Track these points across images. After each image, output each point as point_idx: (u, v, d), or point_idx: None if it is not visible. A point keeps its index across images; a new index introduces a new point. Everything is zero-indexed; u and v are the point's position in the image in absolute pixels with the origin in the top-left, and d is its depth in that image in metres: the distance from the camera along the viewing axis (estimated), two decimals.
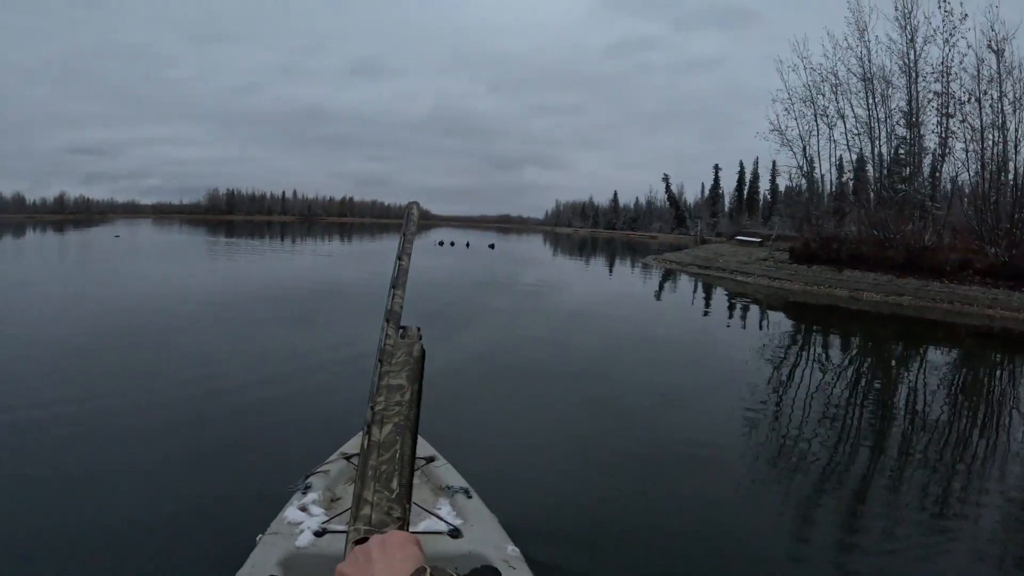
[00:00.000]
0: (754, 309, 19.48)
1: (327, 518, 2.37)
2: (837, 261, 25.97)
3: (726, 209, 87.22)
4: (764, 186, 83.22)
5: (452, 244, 46.80)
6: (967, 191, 27.82)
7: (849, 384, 9.84)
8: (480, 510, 2.58)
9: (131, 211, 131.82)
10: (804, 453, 6.07)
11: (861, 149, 30.61)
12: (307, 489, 2.62)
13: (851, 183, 31.14)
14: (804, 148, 31.12)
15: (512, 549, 2.28)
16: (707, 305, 21.10)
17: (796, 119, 31.35)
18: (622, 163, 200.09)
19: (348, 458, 2.91)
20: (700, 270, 31.89)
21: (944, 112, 27.50)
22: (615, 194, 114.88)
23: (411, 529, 1.88)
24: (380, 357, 0.88)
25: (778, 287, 25.20)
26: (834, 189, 32.06)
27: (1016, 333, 17.71)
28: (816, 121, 30.66)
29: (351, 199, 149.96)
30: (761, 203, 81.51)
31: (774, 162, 78.10)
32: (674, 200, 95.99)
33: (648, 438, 6.21)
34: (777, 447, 6.29)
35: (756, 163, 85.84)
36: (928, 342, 15.31)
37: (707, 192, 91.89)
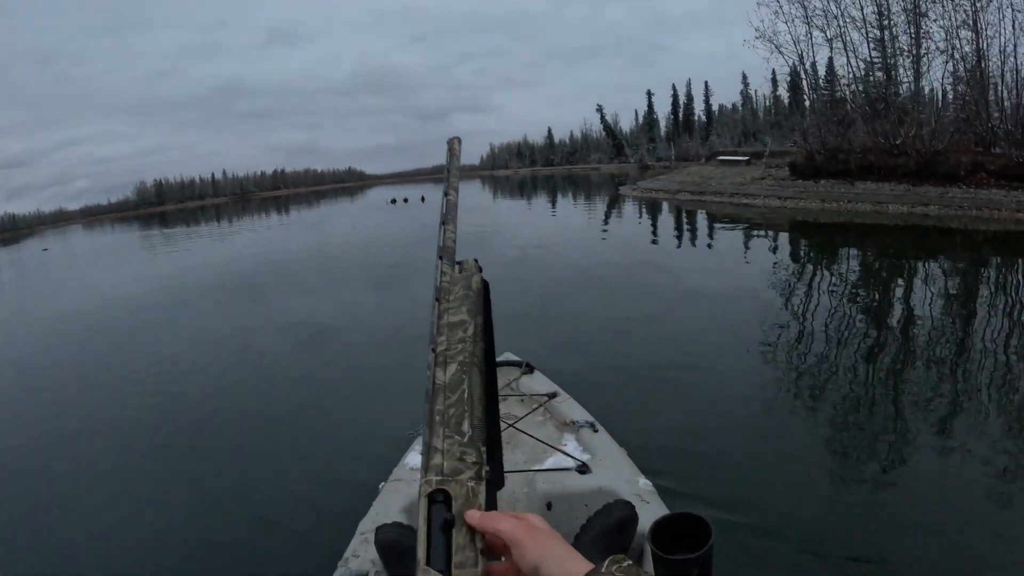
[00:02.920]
0: (783, 238, 17.75)
1: None
2: (846, 173, 25.25)
3: (662, 134, 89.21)
4: (699, 107, 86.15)
5: (406, 200, 45.89)
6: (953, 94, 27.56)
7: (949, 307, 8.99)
8: (607, 443, 2.52)
9: (60, 219, 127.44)
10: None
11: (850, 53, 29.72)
12: None
13: (849, 89, 30.12)
14: (800, 54, 29.85)
15: (644, 482, 2.19)
16: (746, 246, 16.68)
17: (787, 22, 29.84)
18: (553, 100, 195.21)
19: None
20: (693, 196, 29.98)
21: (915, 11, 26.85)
22: (549, 131, 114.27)
23: (538, 466, 2.24)
24: (437, 296, 0.84)
25: (792, 207, 23.93)
26: (831, 96, 31.11)
27: None
28: (809, 25, 29.31)
29: (283, 171, 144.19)
30: (696, 124, 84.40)
31: (706, 83, 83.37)
32: (610, 130, 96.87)
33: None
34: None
35: (689, 85, 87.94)
36: (990, 255, 14.01)
37: (642, 119, 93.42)
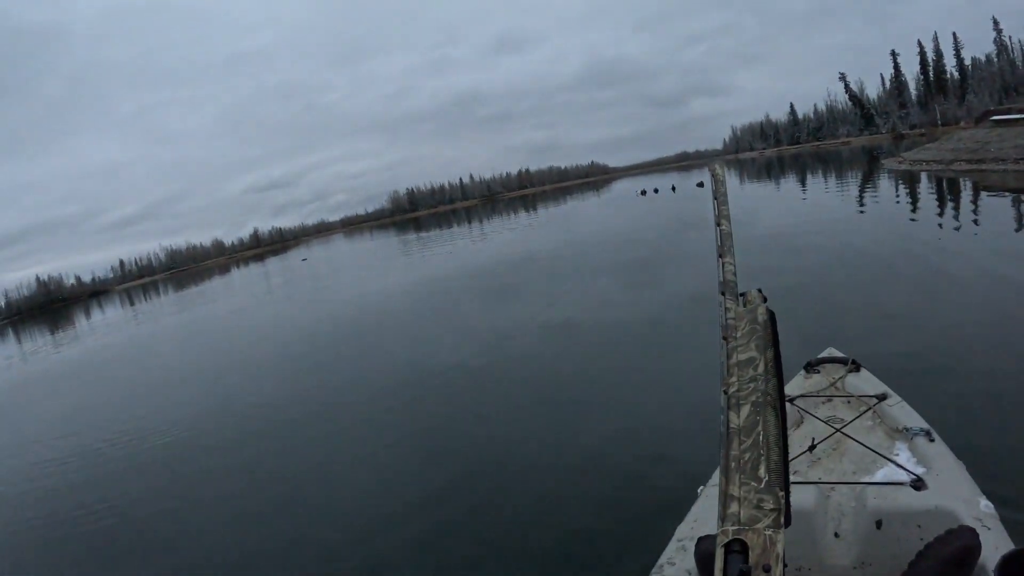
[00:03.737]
0: None
1: None
2: None
3: (913, 98, 78.14)
4: (950, 63, 73.66)
5: (656, 191, 45.57)
6: None
7: None
8: (944, 455, 2.22)
9: (323, 230, 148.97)
10: None
11: None
12: None
13: None
14: None
15: (985, 504, 1.87)
16: None
17: None
18: (790, 72, 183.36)
19: (791, 400, 2.67)
20: (971, 165, 25.70)
21: None
22: (791, 107, 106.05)
23: (867, 479, 2.02)
24: (724, 334, 0.81)
25: None
26: None
27: None
28: None
29: (527, 170, 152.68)
30: (950, 83, 72.64)
31: (954, 34, 68.62)
32: (856, 99, 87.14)
33: None
34: None
35: (936, 40, 75.78)
36: None
37: (889, 84, 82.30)
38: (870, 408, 2.63)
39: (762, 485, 0.69)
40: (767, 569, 0.62)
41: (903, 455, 2.24)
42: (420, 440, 6.24)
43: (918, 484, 1.96)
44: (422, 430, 6.48)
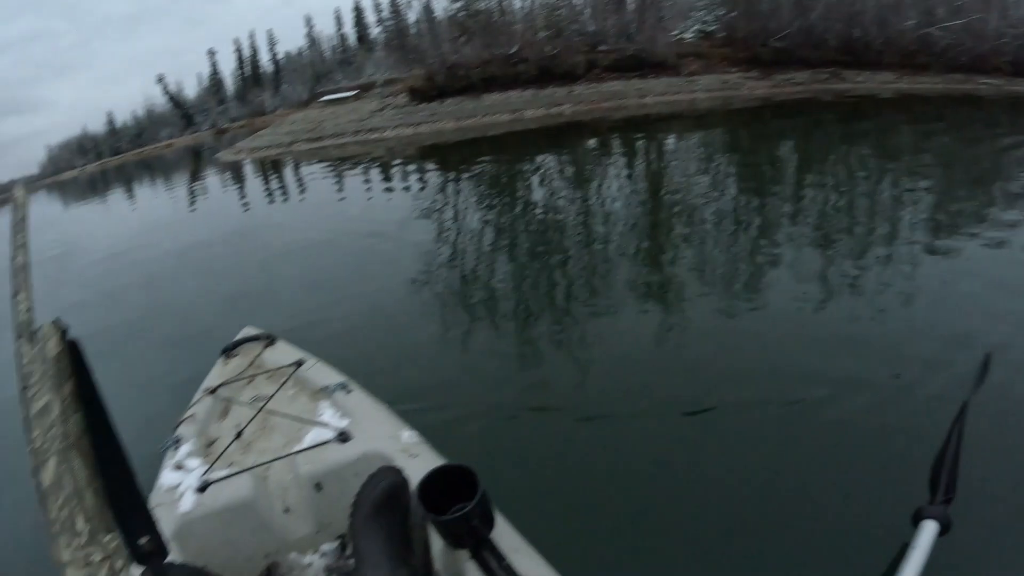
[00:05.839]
0: (405, 167, 15.73)
1: (206, 468, 1.98)
2: (470, 88, 23.73)
3: (231, 93, 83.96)
4: (266, 58, 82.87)
5: None
6: None
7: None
8: (364, 403, 2.25)
9: None
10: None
11: None
12: (178, 443, 2.18)
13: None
14: None
15: (409, 435, 1.99)
16: (385, 179, 14.35)
17: None
18: (106, 79, 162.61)
19: (213, 391, 2.50)
20: (312, 144, 25.50)
21: None
22: (109, 116, 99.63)
23: (298, 447, 1.96)
24: (22, 385, 0.73)
25: (428, 131, 22.08)
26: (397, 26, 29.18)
27: (701, 110, 18.23)
28: None
29: None
30: (265, 76, 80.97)
31: (269, 32, 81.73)
32: (175, 100, 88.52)
33: None
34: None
35: (252, 37, 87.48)
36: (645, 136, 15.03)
37: (207, 82, 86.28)
38: (289, 377, 2.53)
39: (84, 538, 0.63)
40: None
41: (327, 413, 2.19)
42: None
43: (344, 437, 1.98)
44: None
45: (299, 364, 2.64)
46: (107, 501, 0.74)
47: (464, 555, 1.41)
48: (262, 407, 2.31)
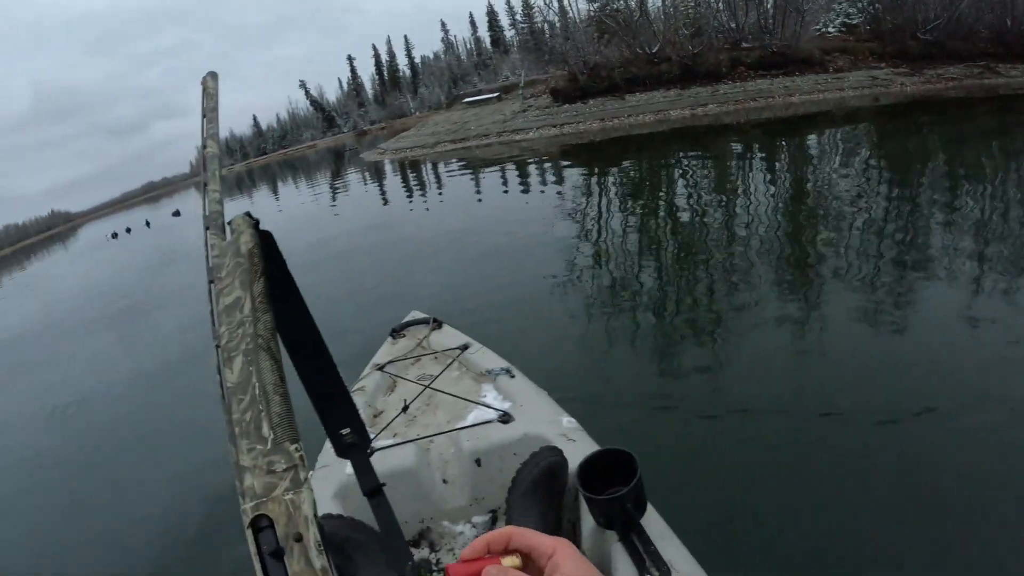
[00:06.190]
0: (551, 167, 16.12)
1: (373, 435, 2.14)
2: (614, 89, 24.47)
3: (370, 96, 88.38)
4: (403, 62, 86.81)
5: (129, 231, 37.57)
6: None
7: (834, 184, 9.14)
8: (526, 388, 2.39)
9: None
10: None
11: None
12: None
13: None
14: None
15: (568, 421, 2.09)
16: (551, 180, 14.14)
17: None
18: (250, 87, 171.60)
19: (381, 368, 2.75)
20: (456, 144, 26.74)
21: None
22: (254, 119, 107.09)
23: (461, 424, 2.14)
24: (210, 278, 0.70)
25: (572, 132, 22.92)
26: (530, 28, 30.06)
27: (850, 108, 18.05)
28: None
29: None
30: (403, 80, 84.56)
31: (405, 37, 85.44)
32: (317, 103, 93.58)
33: None
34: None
35: (389, 42, 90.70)
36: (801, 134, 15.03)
37: (347, 87, 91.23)
38: (455, 359, 2.72)
39: (269, 445, 0.58)
40: (299, 538, 0.55)
41: (490, 395, 2.34)
42: None
43: (505, 418, 2.10)
44: None
45: (464, 348, 2.83)
46: (310, 395, 0.76)
47: (612, 537, 1.45)
48: (428, 385, 2.48)
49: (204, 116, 0.91)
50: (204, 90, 0.96)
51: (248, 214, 0.74)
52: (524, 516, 1.57)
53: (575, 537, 1.63)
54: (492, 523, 1.88)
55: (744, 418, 3.32)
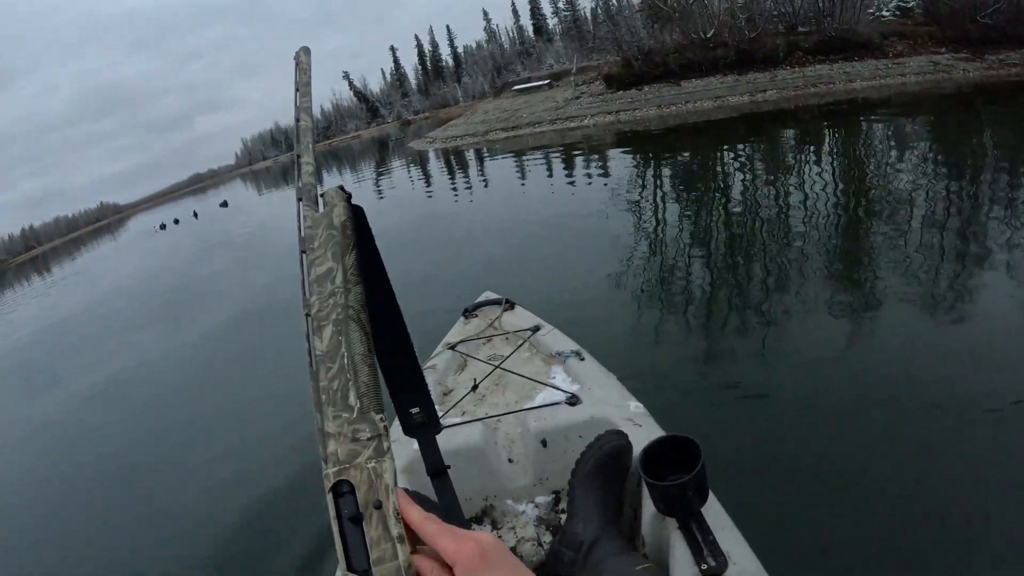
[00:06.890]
0: (604, 156, 15.82)
1: (442, 413, 2.22)
2: (669, 75, 24.58)
3: (414, 86, 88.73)
4: (445, 52, 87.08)
5: (177, 222, 37.64)
6: None
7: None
8: (595, 371, 2.40)
9: None
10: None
11: None
12: None
13: None
14: None
15: (635, 406, 2.10)
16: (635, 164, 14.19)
17: None
18: (292, 79, 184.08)
19: (452, 347, 2.80)
20: (508, 132, 26.88)
21: None
22: None
23: (528, 405, 2.15)
24: (302, 248, 0.71)
25: (628, 119, 22.88)
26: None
27: (911, 95, 18.04)
28: None
29: (31, 228, 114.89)
30: (446, 69, 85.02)
31: (447, 27, 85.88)
32: (360, 94, 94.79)
33: None
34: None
35: (431, 32, 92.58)
36: (873, 119, 14.77)
37: (390, 77, 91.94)
38: (525, 341, 2.75)
39: (355, 414, 0.61)
40: (378, 505, 0.57)
41: (559, 377, 2.34)
42: None
43: (573, 400, 2.10)
44: None
45: (536, 329, 2.84)
46: (383, 371, 0.78)
47: (672, 524, 1.45)
48: (498, 365, 2.51)
49: (297, 90, 0.92)
50: (297, 64, 0.97)
51: (341, 187, 0.77)
52: (585, 498, 1.60)
53: (635, 522, 1.67)
54: (555, 503, 1.90)
55: (815, 414, 3.28)
